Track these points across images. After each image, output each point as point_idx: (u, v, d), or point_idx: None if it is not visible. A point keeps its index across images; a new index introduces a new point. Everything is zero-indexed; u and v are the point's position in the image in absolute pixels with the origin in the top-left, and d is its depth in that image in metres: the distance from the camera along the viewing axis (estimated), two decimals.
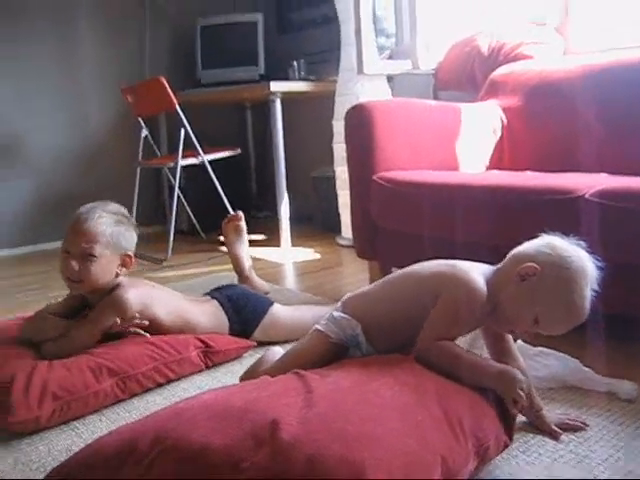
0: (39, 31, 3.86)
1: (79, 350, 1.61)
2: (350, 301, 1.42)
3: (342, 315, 1.37)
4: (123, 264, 1.73)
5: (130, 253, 1.73)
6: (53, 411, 1.42)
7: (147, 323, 1.70)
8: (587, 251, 1.19)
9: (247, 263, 2.24)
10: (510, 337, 1.33)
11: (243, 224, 2.25)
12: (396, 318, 1.31)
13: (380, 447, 0.94)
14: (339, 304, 1.43)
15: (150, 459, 0.97)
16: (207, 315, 1.86)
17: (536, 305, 1.17)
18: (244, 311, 1.90)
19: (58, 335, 1.64)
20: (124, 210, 1.79)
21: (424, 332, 1.23)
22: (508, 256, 1.27)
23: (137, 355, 1.59)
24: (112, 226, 1.69)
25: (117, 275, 1.72)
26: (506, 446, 1.16)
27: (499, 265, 1.28)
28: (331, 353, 1.35)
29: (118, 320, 1.66)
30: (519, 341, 1.55)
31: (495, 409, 1.15)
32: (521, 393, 1.10)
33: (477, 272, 1.25)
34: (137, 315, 1.69)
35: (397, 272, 1.43)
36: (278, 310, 1.93)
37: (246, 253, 2.26)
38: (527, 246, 1.24)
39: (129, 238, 1.73)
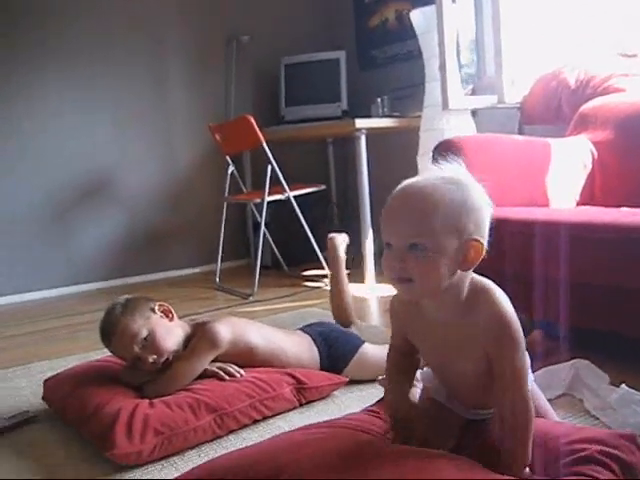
0: (133, 74, 4.05)
1: (178, 387, 1.66)
2: None
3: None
4: (164, 313, 1.78)
5: (152, 305, 1.77)
6: (154, 446, 1.46)
7: (244, 374, 1.73)
8: None
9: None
10: None
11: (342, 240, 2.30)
12: None
13: None
14: None
15: None
16: (299, 346, 1.90)
17: None
18: (335, 347, 1.92)
19: (155, 377, 1.70)
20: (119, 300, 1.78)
21: None
22: None
23: (234, 392, 1.62)
24: (125, 312, 1.71)
25: (172, 320, 1.78)
26: None
27: None
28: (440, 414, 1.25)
29: (215, 368, 1.73)
30: (624, 386, 1.50)
31: None
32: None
33: None
34: (233, 366, 1.75)
35: None
36: (368, 349, 1.93)
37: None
38: None
39: (141, 306, 1.75)
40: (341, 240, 2.29)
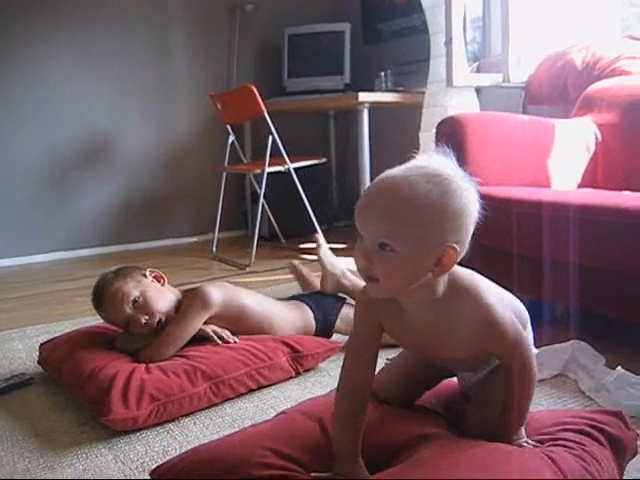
0: (134, 40, 4.00)
1: (172, 350, 1.68)
2: None
3: None
4: (155, 279, 1.81)
5: (144, 271, 1.81)
6: (150, 412, 1.46)
7: (237, 340, 1.75)
8: None
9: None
10: None
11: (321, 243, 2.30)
12: None
13: None
14: None
15: None
16: (292, 312, 1.95)
17: None
18: (323, 302, 2.00)
19: (149, 342, 1.71)
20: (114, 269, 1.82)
21: None
22: None
23: (230, 359, 1.63)
24: (117, 276, 1.75)
25: (163, 284, 1.82)
26: None
27: None
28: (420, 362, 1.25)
29: (209, 330, 1.74)
30: (619, 368, 1.51)
31: None
32: None
33: None
34: (227, 332, 1.77)
35: None
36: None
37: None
38: None
39: (133, 271, 1.79)
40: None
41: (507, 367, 1.08)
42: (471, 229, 0.98)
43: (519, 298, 1.19)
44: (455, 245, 0.95)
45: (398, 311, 1.06)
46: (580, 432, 1.10)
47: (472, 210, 0.97)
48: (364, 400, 1.10)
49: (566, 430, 1.11)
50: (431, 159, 0.99)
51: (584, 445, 1.06)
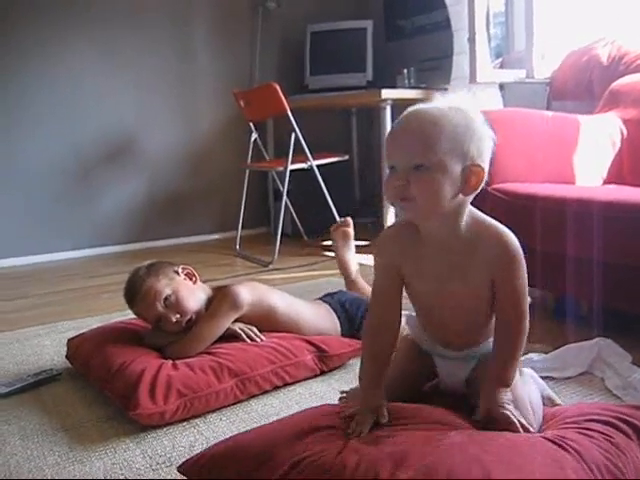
0: (156, 37, 4.02)
1: (199, 348, 1.69)
2: None
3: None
4: (187, 276, 1.82)
5: (176, 268, 1.82)
6: (177, 407, 1.47)
7: (264, 339, 1.76)
8: None
9: (354, 267, 2.27)
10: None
11: (351, 230, 2.30)
12: None
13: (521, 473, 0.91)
14: None
15: (283, 472, 0.98)
16: (318, 314, 1.93)
17: None
18: (356, 317, 1.95)
19: (177, 338, 1.72)
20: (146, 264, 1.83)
21: None
22: None
23: (256, 357, 1.64)
24: (149, 272, 1.76)
25: (195, 282, 1.82)
26: None
27: None
28: (418, 356, 1.28)
29: (237, 328, 1.75)
30: None
31: None
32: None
33: None
34: (255, 329, 1.78)
35: None
36: None
37: (353, 257, 2.29)
38: None
39: (165, 268, 1.80)
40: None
41: (504, 311, 1.13)
42: (489, 156, 1.09)
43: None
44: (482, 164, 1.06)
45: (418, 244, 1.14)
46: (606, 423, 1.10)
47: (489, 137, 1.09)
48: (391, 336, 1.19)
49: (592, 420, 1.11)
50: (450, 96, 1.12)
51: (610, 437, 1.06)
